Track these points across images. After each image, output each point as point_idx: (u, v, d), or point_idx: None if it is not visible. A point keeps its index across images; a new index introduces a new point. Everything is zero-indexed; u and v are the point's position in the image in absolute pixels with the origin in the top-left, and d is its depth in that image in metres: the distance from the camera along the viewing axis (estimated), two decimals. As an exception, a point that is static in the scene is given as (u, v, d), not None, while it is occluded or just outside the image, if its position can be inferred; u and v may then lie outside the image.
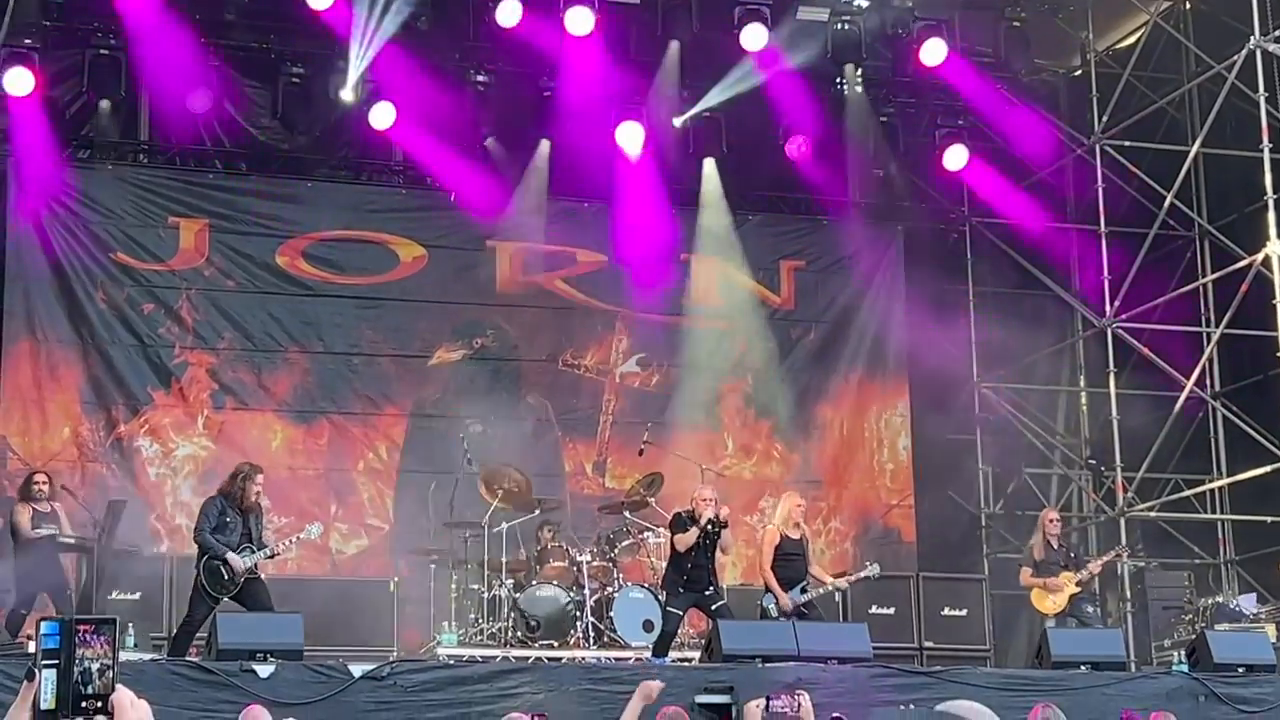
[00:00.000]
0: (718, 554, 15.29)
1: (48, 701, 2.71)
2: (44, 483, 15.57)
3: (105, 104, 18.68)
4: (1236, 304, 18.91)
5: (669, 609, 14.99)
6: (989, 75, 20.57)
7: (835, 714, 11.16)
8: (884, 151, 20.85)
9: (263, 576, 14.28)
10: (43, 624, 2.75)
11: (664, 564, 16.27)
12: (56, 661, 2.71)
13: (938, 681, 13.45)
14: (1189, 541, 20.89)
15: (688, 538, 14.82)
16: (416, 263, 19.89)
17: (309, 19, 18.40)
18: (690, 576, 14.95)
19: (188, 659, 12.81)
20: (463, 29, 19.43)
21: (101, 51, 18.27)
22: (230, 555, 13.66)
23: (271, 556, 14.24)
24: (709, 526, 14.80)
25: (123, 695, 2.75)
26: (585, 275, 20.38)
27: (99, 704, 2.74)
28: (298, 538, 14.65)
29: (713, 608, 14.97)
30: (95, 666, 2.73)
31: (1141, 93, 21.02)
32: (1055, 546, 16.50)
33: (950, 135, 20.72)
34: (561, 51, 19.17)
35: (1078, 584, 16.24)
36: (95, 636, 2.74)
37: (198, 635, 13.65)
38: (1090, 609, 16.59)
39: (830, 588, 15.72)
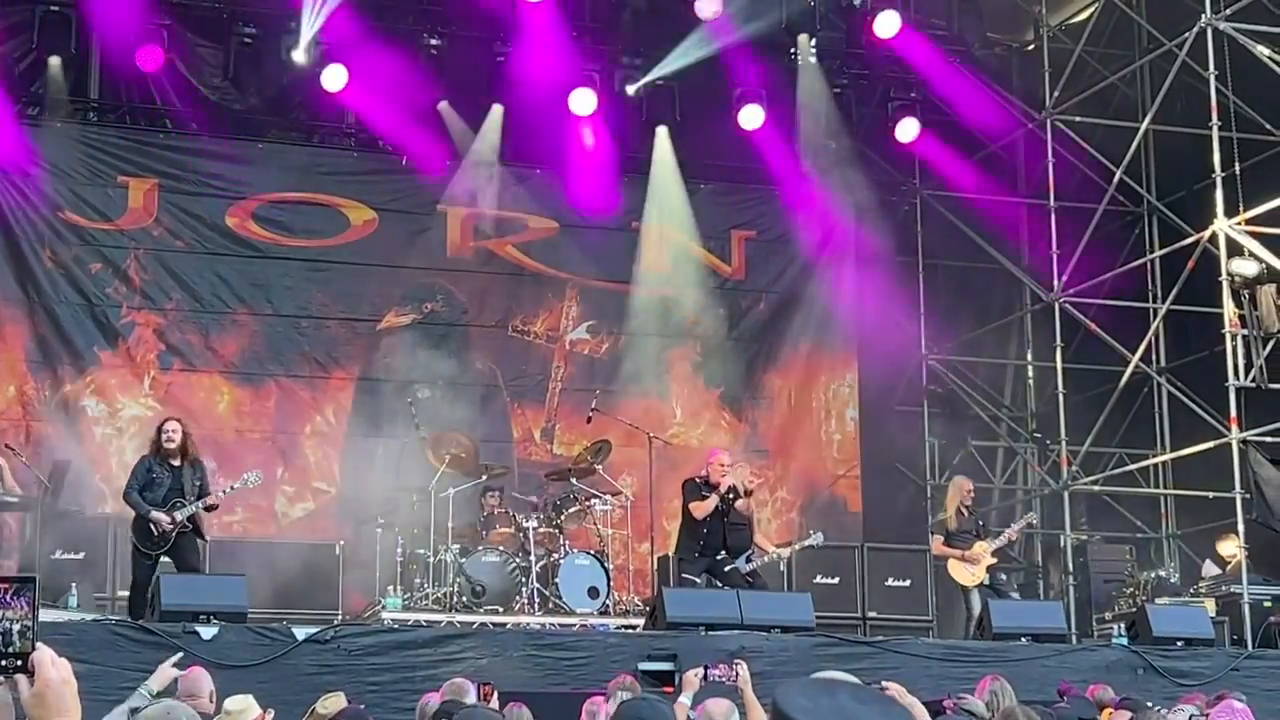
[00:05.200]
0: (756, 529, 15.46)
1: None
2: None
3: (55, 61, 18.50)
4: (1183, 280, 19.04)
5: (685, 575, 15.09)
6: (942, 48, 20.59)
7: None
8: (836, 123, 20.84)
9: (208, 537, 14.25)
10: None
11: (610, 531, 16.40)
12: None
13: (880, 651, 13.55)
14: (1131, 515, 21.08)
15: (706, 505, 14.91)
16: (367, 226, 19.82)
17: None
18: (706, 542, 15.04)
19: (127, 620, 12.79)
20: (417, -8, 19.38)
21: (52, 8, 18.11)
22: (154, 513, 13.60)
23: (209, 509, 14.10)
24: (729, 495, 14.93)
25: (43, 653, 2.75)
26: (536, 241, 20.36)
27: (19, 662, 2.74)
28: (233, 486, 14.55)
29: (726, 570, 15.07)
30: (16, 626, 2.73)
31: (1093, 68, 21.08)
32: (967, 515, 16.60)
33: (902, 108, 20.74)
34: (515, 16, 19.11)
35: (993, 554, 16.33)
36: (16, 596, 2.74)
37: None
38: (1004, 577, 16.72)
39: (774, 556, 15.81)
